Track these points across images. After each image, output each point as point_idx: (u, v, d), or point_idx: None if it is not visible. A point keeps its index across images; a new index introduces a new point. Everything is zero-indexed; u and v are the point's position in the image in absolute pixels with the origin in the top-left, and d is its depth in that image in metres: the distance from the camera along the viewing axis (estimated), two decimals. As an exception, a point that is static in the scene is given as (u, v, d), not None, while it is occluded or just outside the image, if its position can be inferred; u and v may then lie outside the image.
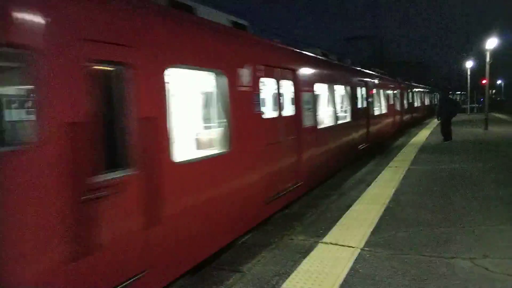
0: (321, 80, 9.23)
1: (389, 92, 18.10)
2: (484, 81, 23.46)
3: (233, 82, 5.16)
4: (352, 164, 11.25)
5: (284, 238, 5.42)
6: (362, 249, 4.79)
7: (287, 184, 6.80)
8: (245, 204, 5.41)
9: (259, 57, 6.06)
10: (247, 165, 5.50)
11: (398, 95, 20.39)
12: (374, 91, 14.95)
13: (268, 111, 7.01)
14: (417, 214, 6.06)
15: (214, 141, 5.39)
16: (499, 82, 68.73)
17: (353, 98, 11.72)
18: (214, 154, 4.92)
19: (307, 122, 7.77)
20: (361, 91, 12.81)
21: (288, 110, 7.40)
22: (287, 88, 7.43)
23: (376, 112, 15.27)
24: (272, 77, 6.51)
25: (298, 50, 8.48)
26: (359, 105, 12.39)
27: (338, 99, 11.08)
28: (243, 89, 5.42)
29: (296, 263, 4.49)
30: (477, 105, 49.56)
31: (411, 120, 25.50)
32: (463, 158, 11.15)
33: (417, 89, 29.43)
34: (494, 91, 66.51)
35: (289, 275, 4.18)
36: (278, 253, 4.88)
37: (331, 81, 10.04)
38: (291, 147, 7.04)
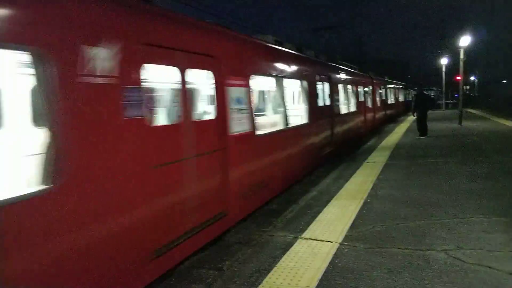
0: (264, 72, 7.23)
1: (360, 88, 17.01)
2: (458, 78, 24.08)
3: (71, 67, 3.10)
4: (311, 174, 9.78)
5: (264, 235, 5.44)
6: (340, 244, 4.86)
7: (200, 220, 4.81)
8: (109, 269, 3.43)
9: (139, 31, 3.92)
10: (105, 205, 3.38)
11: (370, 92, 19.75)
12: (341, 87, 13.45)
13: (164, 115, 5.17)
14: (394, 209, 6.19)
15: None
16: (472, 78, 70.74)
17: (312, 95, 9.75)
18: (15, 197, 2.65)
19: (238, 128, 5.77)
20: (323, 87, 11.03)
21: (204, 112, 5.76)
22: (204, 81, 5.53)
23: (344, 111, 13.69)
24: (171, 64, 4.50)
25: (223, 29, 6.19)
26: (321, 104, 10.58)
27: (291, 97, 9.44)
28: (99, 81, 3.37)
29: (276, 259, 4.52)
30: (452, 101, 50.93)
31: (386, 118, 25.46)
32: (438, 153, 11.44)
33: (391, 85, 29.32)
34: (468, 87, 68.40)
35: (269, 272, 4.20)
36: (258, 250, 4.90)
37: (280, 74, 7.94)
38: (210, 164, 5.10)
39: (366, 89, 18.70)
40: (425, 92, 16.96)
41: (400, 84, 37.56)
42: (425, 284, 3.74)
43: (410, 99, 40.11)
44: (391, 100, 29.25)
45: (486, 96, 40.54)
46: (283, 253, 4.66)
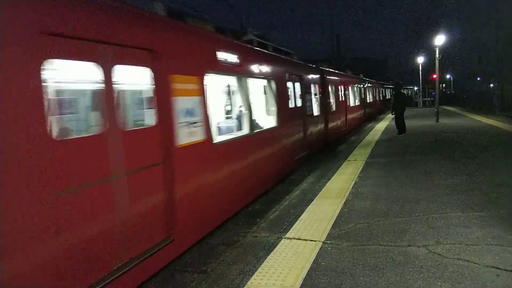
0: (222, 70, 6.32)
1: (337, 87, 16.90)
2: (434, 76, 24.65)
3: None
4: (284, 180, 9.37)
5: (248, 236, 5.44)
6: (324, 242, 4.90)
7: (136, 251, 4.00)
8: None
9: (33, 14, 3.05)
10: None
11: (349, 90, 19.77)
12: (315, 86, 13.19)
13: (78, 124, 4.43)
14: (375, 206, 6.29)
15: None
16: (448, 76, 72.50)
17: (281, 95, 9.09)
18: None
19: (186, 138, 4.89)
20: (294, 87, 10.45)
21: (140, 118, 4.96)
22: (140, 80, 4.57)
23: (316, 113, 13.12)
24: (89, 60, 3.61)
25: (166, 19, 5.21)
26: (291, 105, 10.03)
27: (256, 98, 8.37)
28: None
29: (260, 259, 4.52)
30: (429, 98, 52.11)
31: (364, 116, 25.72)
32: (416, 150, 11.68)
33: (367, 84, 29.42)
34: (444, 85, 70.06)
35: (253, 273, 4.20)
36: (242, 251, 4.89)
37: (243, 72, 7.13)
38: (148, 182, 4.23)
39: (344, 87, 18.65)
40: (402, 91, 17.28)
41: (377, 83, 38.01)
42: (406, 279, 3.81)
43: (389, 97, 40.87)
44: (369, 98, 29.51)
45: (462, 93, 41.64)
46: (267, 254, 4.67)
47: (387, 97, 43.26)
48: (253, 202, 7.24)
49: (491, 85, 37.99)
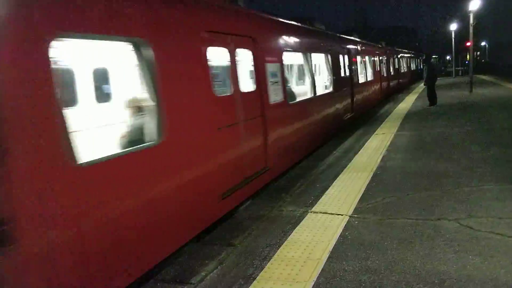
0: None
1: (376, 58, 18.17)
2: (468, 44, 23.47)
3: None
4: (337, 135, 11.10)
5: (274, 210, 5.48)
6: (350, 216, 4.87)
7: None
8: None
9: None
10: None
11: (383, 61, 20.40)
12: (358, 58, 14.92)
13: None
14: (404, 180, 6.16)
15: None
16: (483, 43, 68.92)
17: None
18: None
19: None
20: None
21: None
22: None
23: (362, 80, 15.30)
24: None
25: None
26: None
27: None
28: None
29: (286, 233, 4.56)
30: (462, 68, 49.86)
31: (398, 86, 25.65)
32: (448, 122, 11.28)
33: (402, 55, 29.21)
34: (478, 53, 66.76)
35: (280, 245, 4.25)
36: (268, 225, 4.94)
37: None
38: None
39: (379, 58, 19.41)
40: (433, 61, 16.64)
41: (410, 53, 36.90)
42: (436, 253, 3.75)
43: (421, 68, 39.44)
44: (402, 69, 29.27)
45: (497, 61, 39.49)
46: (294, 227, 4.70)
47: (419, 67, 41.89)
48: (278, 178, 7.26)
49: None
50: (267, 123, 6.41)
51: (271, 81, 6.78)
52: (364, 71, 15.82)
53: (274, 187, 6.97)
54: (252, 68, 6.39)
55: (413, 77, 36.09)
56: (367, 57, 16.58)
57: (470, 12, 19.97)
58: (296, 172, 7.85)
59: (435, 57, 67.85)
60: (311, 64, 9.31)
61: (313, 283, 3.43)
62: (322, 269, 3.66)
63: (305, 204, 5.52)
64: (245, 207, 5.93)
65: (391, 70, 23.51)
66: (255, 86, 6.30)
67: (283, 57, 7.39)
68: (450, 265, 3.52)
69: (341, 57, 11.85)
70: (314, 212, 5.13)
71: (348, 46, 13.29)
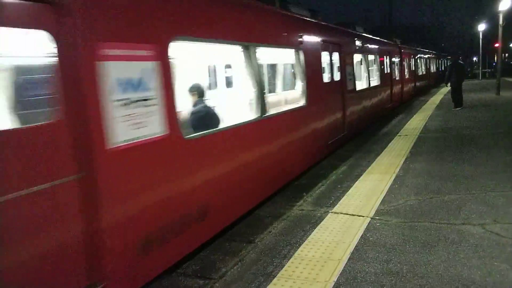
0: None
1: (382, 58, 14.99)
2: (496, 45, 22.79)
3: None
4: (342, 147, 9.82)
5: (294, 209, 5.48)
6: (372, 218, 4.84)
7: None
8: None
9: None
10: None
11: (395, 62, 17.56)
12: (355, 57, 11.86)
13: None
14: (427, 182, 6.06)
15: None
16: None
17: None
18: None
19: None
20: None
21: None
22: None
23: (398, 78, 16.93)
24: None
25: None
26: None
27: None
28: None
29: (307, 233, 4.56)
30: (489, 69, 48.45)
31: (414, 91, 22.94)
32: (473, 125, 11.01)
33: (421, 55, 27.01)
34: (507, 54, 64.69)
35: (300, 245, 4.26)
36: (289, 223, 4.95)
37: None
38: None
39: (392, 58, 16.67)
40: (461, 61, 16.14)
41: (433, 53, 35.39)
42: (460, 258, 3.69)
43: (443, 69, 38.26)
44: (421, 71, 27.01)
45: (526, 64, 38.24)
46: (314, 227, 4.70)
47: (441, 69, 40.56)
48: (298, 177, 7.25)
49: None
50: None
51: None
52: (366, 74, 12.63)
53: (295, 185, 6.98)
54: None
55: (433, 81, 33.86)
56: (370, 56, 13.52)
57: (500, 12, 19.38)
58: (316, 171, 7.83)
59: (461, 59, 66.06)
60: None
61: (333, 284, 3.43)
62: (343, 270, 3.65)
63: (326, 204, 5.50)
64: (266, 205, 5.96)
65: (405, 73, 20.07)
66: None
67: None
68: (474, 271, 3.45)
69: (323, 54, 8.62)
70: (335, 213, 5.12)
71: (336, 40, 9.71)
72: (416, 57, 24.59)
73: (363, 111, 11.79)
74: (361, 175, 6.75)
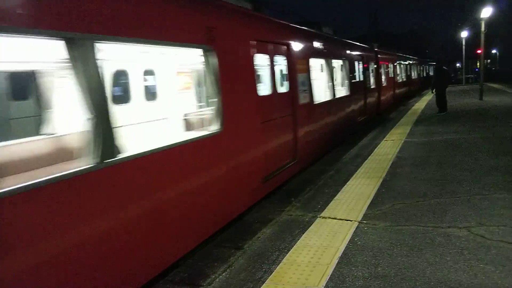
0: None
1: (357, 65, 13.70)
2: (479, 51, 23.30)
3: None
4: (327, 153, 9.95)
5: (283, 214, 5.48)
6: (360, 222, 4.86)
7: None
8: None
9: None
10: None
11: (372, 69, 16.20)
12: (312, 62, 9.67)
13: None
14: (414, 186, 6.13)
15: None
16: (494, 51, 68.38)
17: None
18: None
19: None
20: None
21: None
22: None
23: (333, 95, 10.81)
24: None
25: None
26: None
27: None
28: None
29: (295, 238, 4.56)
30: (472, 75, 49.49)
31: (393, 100, 21.57)
32: (458, 129, 11.21)
33: (404, 61, 26.26)
34: (489, 60, 66.20)
35: (289, 250, 4.26)
36: (277, 228, 4.95)
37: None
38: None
39: (367, 65, 15.24)
40: (444, 67, 16.44)
41: (416, 59, 35.16)
42: (446, 261, 3.73)
43: (426, 75, 38.63)
44: (402, 78, 25.53)
45: (508, 69, 39.16)
46: (302, 232, 4.70)
47: (425, 76, 40.94)
48: (287, 182, 7.26)
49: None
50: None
51: None
52: (331, 83, 10.41)
53: (283, 190, 6.99)
54: None
55: (416, 87, 33.01)
56: (336, 62, 11.64)
57: (482, 19, 19.86)
58: (304, 177, 7.85)
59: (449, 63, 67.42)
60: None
61: (322, 288, 3.43)
62: (332, 275, 3.66)
63: (314, 209, 5.52)
64: (254, 210, 5.94)
65: (383, 80, 18.44)
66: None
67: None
68: (460, 273, 3.50)
69: (258, 58, 6.37)
70: (323, 217, 5.13)
71: (282, 40, 7.39)
72: (396, 63, 22.84)
73: (325, 129, 9.51)
74: (349, 179, 6.79)
